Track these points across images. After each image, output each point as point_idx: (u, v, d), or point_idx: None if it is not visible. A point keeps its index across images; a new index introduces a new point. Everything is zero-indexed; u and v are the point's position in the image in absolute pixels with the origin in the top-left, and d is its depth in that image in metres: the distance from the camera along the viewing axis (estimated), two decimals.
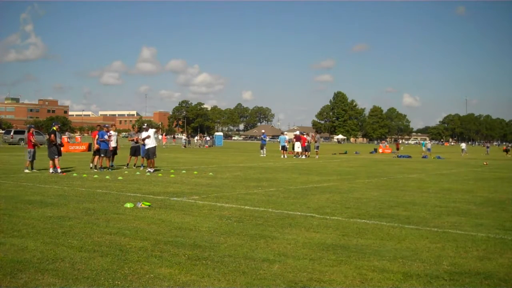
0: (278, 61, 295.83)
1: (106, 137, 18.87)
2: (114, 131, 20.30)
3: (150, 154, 18.42)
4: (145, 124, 20.15)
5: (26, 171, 17.37)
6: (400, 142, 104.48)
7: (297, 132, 36.22)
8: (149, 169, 18.23)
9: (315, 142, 36.99)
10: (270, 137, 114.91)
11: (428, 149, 47.35)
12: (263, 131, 42.87)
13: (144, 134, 18.82)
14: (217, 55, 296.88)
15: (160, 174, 17.48)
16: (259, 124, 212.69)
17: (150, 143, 18.41)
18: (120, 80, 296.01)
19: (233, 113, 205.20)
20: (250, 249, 6.37)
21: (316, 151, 35.51)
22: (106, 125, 20.09)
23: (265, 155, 35.63)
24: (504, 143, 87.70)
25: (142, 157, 20.08)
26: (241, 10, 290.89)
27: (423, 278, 5.28)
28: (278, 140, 38.24)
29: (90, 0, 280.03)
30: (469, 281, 5.21)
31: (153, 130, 19.23)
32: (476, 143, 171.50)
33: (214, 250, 6.26)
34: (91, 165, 19.21)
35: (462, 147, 52.97)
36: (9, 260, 5.61)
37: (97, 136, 18.90)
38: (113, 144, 19.40)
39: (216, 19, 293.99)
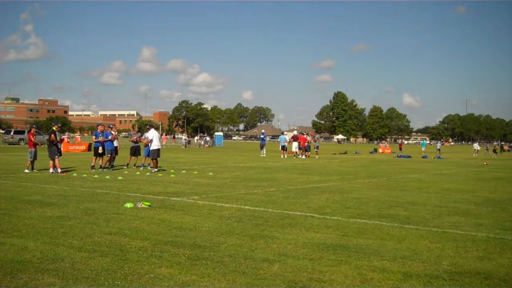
0: (278, 61, 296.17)
1: (110, 136, 18.96)
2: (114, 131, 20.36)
3: (154, 154, 18.47)
4: (147, 126, 20.16)
5: (26, 171, 17.36)
6: (406, 142, 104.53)
7: (295, 132, 36.28)
8: (154, 170, 18.26)
9: (315, 142, 36.97)
10: (270, 137, 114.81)
11: (438, 149, 47.53)
12: (262, 131, 42.38)
13: (150, 135, 18.82)
14: (217, 55, 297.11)
15: (160, 174, 17.48)
16: (259, 124, 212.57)
17: (155, 144, 18.48)
18: (120, 80, 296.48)
19: (233, 113, 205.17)
20: (250, 249, 6.37)
21: (316, 151, 35.47)
22: (110, 125, 20.16)
23: (265, 155, 35.58)
24: (504, 143, 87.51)
25: (145, 157, 20.17)
26: (241, 10, 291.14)
27: (423, 278, 5.28)
28: (278, 140, 38.15)
29: (90, 0, 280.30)
30: (469, 281, 5.21)
31: (155, 132, 19.19)
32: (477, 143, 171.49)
33: (214, 250, 6.26)
34: (94, 165, 19.15)
35: (475, 148, 53.16)
36: (9, 260, 5.61)
37: (102, 137, 18.92)
38: (114, 144, 19.45)
39: (216, 19, 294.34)
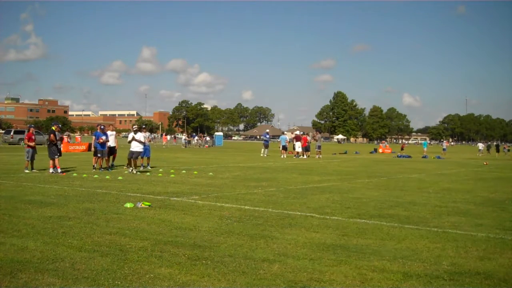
0: (278, 61, 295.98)
1: (103, 137, 18.66)
2: (112, 130, 20.26)
3: (134, 155, 18.17)
4: (135, 127, 19.78)
5: (26, 171, 17.35)
6: (406, 143, 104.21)
7: (297, 132, 36.11)
8: (130, 169, 18.02)
9: (316, 141, 36.81)
10: (271, 137, 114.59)
11: (444, 149, 47.55)
12: (267, 130, 40.84)
13: (138, 136, 18.36)
14: (217, 55, 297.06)
15: (160, 174, 17.48)
16: (259, 124, 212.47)
17: (136, 146, 18.13)
18: (120, 80, 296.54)
19: (233, 113, 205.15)
20: (250, 249, 6.37)
21: (319, 151, 35.13)
22: (102, 126, 19.51)
23: (265, 155, 35.22)
24: (503, 143, 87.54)
25: (142, 157, 20.09)
26: (241, 10, 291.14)
27: (423, 278, 5.28)
28: (279, 140, 37.79)
29: (90, 0, 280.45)
30: (469, 281, 5.21)
31: (142, 134, 18.77)
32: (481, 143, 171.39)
33: (214, 250, 6.26)
34: (94, 165, 18.99)
35: (480, 148, 53.24)
36: (9, 260, 5.61)
37: (93, 137, 18.87)
38: (111, 144, 19.32)
39: (216, 19, 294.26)
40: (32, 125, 20.12)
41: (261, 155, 35.40)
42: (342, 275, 5.32)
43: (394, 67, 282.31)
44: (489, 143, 67.61)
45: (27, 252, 6.01)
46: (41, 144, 34.17)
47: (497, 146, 56.52)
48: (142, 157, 20.19)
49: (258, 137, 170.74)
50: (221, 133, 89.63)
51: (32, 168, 17.73)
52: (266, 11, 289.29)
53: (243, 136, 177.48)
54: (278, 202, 10.89)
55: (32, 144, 17.83)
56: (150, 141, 21.07)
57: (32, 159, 17.81)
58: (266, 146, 36.43)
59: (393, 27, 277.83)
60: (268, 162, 27.54)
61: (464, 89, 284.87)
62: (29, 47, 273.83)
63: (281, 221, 8.41)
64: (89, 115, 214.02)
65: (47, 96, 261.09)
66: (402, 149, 49.68)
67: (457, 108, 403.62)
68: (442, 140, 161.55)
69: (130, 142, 18.32)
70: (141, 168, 19.69)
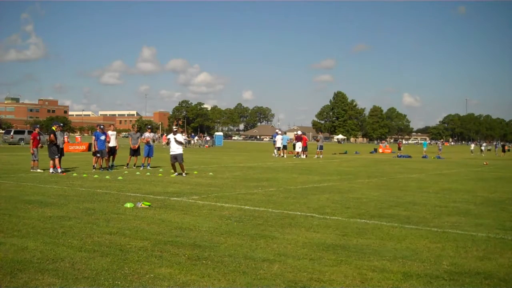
0: (278, 61, 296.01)
1: (102, 137, 18.59)
2: (113, 130, 20.27)
3: (178, 159, 17.35)
4: (174, 128, 19.70)
5: (39, 170, 17.42)
6: (405, 142, 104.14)
7: (299, 132, 36.07)
8: (184, 174, 17.27)
9: (318, 142, 36.76)
10: (270, 137, 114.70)
11: (439, 149, 47.62)
12: (276, 130, 40.38)
13: (179, 137, 17.68)
14: (217, 55, 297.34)
15: (160, 174, 17.48)
16: (259, 124, 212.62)
17: (176, 149, 17.36)
18: (120, 80, 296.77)
19: (233, 113, 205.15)
20: (250, 249, 6.37)
21: (320, 151, 34.99)
22: (102, 126, 19.37)
23: (276, 155, 34.84)
24: (503, 143, 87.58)
25: (145, 157, 20.18)
26: (241, 10, 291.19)
27: (423, 278, 5.28)
28: (275, 139, 37.47)
29: (90, 0, 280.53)
30: (469, 281, 5.21)
31: (180, 135, 18.36)
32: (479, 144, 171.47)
33: (214, 250, 6.26)
34: (94, 165, 18.93)
35: (481, 148, 53.50)
36: (9, 260, 5.61)
37: (93, 137, 18.89)
38: (112, 143, 19.31)
39: (216, 19, 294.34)
40: (37, 125, 20.26)
41: (280, 155, 34.94)
42: (342, 275, 5.32)
43: (394, 67, 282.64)
44: (483, 143, 68.05)
45: (27, 252, 6.00)
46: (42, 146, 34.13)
47: (503, 146, 56.50)
48: (145, 157, 20.29)
49: (258, 137, 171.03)
50: (221, 133, 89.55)
51: (32, 168, 17.76)
52: (266, 11, 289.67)
53: (243, 136, 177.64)
54: (278, 202, 10.89)
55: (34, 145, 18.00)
56: (154, 141, 21.06)
57: (36, 159, 17.98)
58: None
59: (393, 27, 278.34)
60: (268, 162, 27.54)
61: (464, 89, 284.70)
62: (29, 47, 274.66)
63: (281, 221, 8.41)
64: (89, 115, 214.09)
65: (47, 96, 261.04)
66: (399, 148, 49.62)
67: (457, 108, 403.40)
68: (442, 140, 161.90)
69: (168, 143, 18.04)
70: (141, 168, 19.68)
